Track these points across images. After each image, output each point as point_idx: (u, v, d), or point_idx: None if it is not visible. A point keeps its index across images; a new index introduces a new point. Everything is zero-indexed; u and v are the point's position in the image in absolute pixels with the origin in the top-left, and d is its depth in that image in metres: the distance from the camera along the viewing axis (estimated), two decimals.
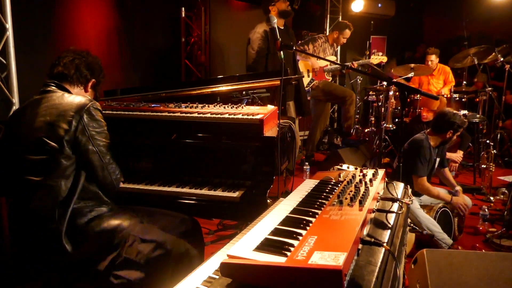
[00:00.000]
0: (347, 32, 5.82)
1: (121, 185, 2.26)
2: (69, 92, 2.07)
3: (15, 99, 3.38)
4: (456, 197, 3.69)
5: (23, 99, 3.35)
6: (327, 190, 1.67)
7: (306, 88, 5.69)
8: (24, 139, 1.94)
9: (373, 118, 6.71)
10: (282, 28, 4.59)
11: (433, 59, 6.14)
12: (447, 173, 4.06)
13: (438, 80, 6.30)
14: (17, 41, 3.44)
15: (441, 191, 3.73)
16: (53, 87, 2.05)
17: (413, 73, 5.80)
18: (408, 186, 2.15)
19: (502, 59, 5.49)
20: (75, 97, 1.99)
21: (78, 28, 4.82)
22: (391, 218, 1.59)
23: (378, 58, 5.94)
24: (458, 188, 3.87)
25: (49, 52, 4.21)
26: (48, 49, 4.18)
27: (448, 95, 5.62)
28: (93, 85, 2.20)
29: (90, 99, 2.02)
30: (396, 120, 5.87)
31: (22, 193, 1.93)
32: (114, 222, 1.98)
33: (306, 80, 5.74)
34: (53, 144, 1.88)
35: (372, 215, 1.57)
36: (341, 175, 1.89)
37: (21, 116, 2.02)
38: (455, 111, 3.78)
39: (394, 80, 5.40)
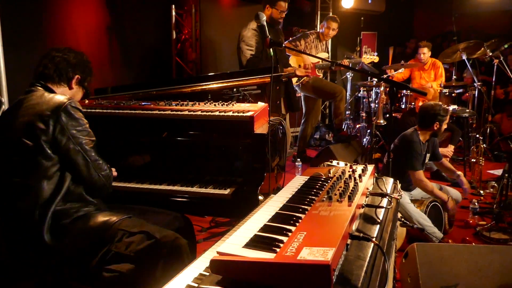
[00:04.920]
0: (332, 23, 5.78)
1: (113, 183, 2.25)
2: (53, 91, 2.05)
3: (4, 99, 3.36)
4: (451, 202, 3.72)
5: (13, 99, 3.34)
6: (316, 186, 1.68)
7: (296, 84, 5.70)
8: (5, 140, 1.95)
9: (364, 114, 6.74)
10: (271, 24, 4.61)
11: (425, 52, 6.16)
12: (445, 163, 4.12)
13: (430, 75, 6.34)
14: (6, 40, 3.42)
15: (436, 188, 3.76)
16: (38, 87, 2.04)
17: (403, 68, 5.83)
18: (398, 181, 2.16)
19: (490, 54, 5.53)
20: (54, 97, 1.97)
21: (68, 27, 4.78)
22: (381, 213, 1.60)
23: (369, 58, 5.96)
24: (459, 173, 3.92)
25: (39, 51, 4.16)
26: (37, 48, 4.15)
27: (438, 90, 5.66)
28: (78, 81, 2.15)
29: (69, 97, 1.98)
30: (387, 115, 5.89)
31: (5, 194, 1.94)
32: (101, 218, 1.97)
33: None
34: (31, 144, 1.87)
35: (362, 210, 1.58)
36: (331, 171, 1.90)
37: (5, 117, 2.03)
38: (434, 102, 3.83)
39: (384, 76, 5.44)
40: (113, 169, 2.43)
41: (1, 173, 1.95)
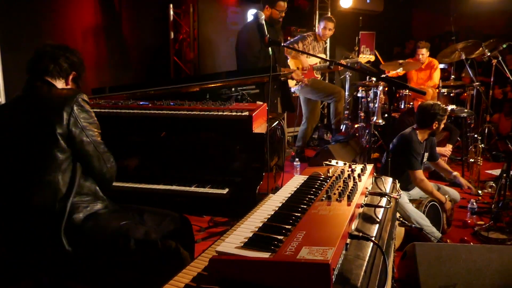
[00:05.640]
0: (328, 23, 5.80)
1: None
2: (53, 85, 2.05)
3: (1, 99, 3.35)
4: (449, 203, 3.72)
5: (10, 98, 3.32)
6: (316, 186, 1.68)
7: (295, 86, 5.71)
8: (16, 136, 1.93)
9: (362, 114, 6.73)
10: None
11: (424, 52, 6.18)
12: (441, 163, 4.13)
13: (426, 74, 6.34)
14: (3, 40, 3.41)
15: (435, 190, 3.76)
16: (39, 83, 2.02)
17: (401, 68, 5.83)
18: (397, 181, 2.16)
19: (489, 54, 5.53)
20: (63, 90, 2.00)
21: (65, 27, 4.77)
22: (380, 212, 1.60)
23: (366, 57, 5.96)
24: (456, 173, 3.92)
25: None
26: (34, 48, 4.13)
27: (436, 90, 5.67)
28: (74, 78, 2.16)
29: (78, 90, 2.01)
30: (385, 115, 5.89)
31: (20, 190, 1.91)
32: (109, 221, 1.97)
33: None
34: (46, 138, 1.87)
35: (361, 209, 1.58)
36: (330, 171, 1.90)
37: (8, 114, 2.01)
38: (433, 102, 3.82)
39: (383, 75, 5.44)
40: None
41: (13, 168, 1.93)
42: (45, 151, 1.88)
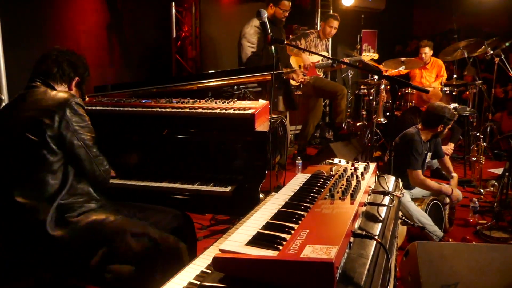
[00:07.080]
0: (332, 21, 5.76)
1: (113, 181, 2.26)
2: (54, 88, 2.07)
3: (4, 96, 3.36)
4: (456, 193, 3.71)
5: (12, 96, 3.33)
6: (318, 184, 1.68)
7: (297, 84, 5.70)
8: (9, 135, 1.95)
9: (364, 112, 6.72)
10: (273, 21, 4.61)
11: (427, 51, 6.17)
12: (446, 161, 4.12)
13: (431, 74, 6.32)
14: (6, 38, 3.41)
15: (441, 185, 3.75)
16: (38, 83, 2.04)
17: (403, 66, 5.82)
18: (399, 180, 2.16)
19: (491, 52, 5.51)
20: (58, 93, 2.00)
21: (68, 25, 4.77)
22: (383, 211, 1.59)
23: (369, 55, 5.95)
24: (454, 174, 3.92)
25: (38, 49, 4.13)
26: (37, 46, 4.13)
27: (439, 88, 5.65)
28: (77, 83, 2.18)
29: (72, 94, 2.02)
30: (388, 113, 5.88)
31: (6, 188, 1.93)
32: (104, 216, 1.98)
33: None
34: (36, 139, 1.88)
35: (364, 208, 1.58)
36: (333, 169, 1.89)
37: (7, 112, 2.03)
38: (444, 105, 3.80)
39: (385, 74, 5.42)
40: (112, 171, 2.45)
41: (5, 167, 1.95)
42: (35, 152, 1.89)
